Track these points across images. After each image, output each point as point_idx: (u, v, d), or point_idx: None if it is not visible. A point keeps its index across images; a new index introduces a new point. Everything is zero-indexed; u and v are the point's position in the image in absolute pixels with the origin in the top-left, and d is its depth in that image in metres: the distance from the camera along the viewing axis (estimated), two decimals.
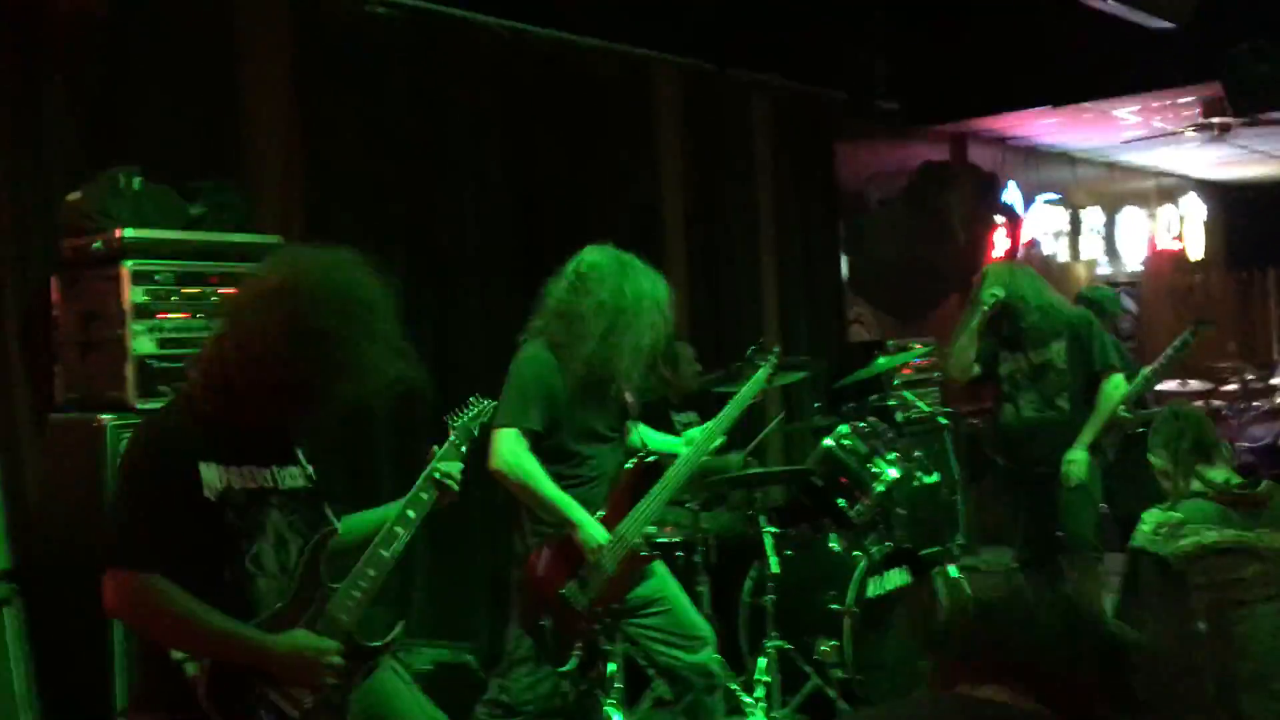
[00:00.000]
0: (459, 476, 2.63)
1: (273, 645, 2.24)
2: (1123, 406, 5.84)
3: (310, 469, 2.48)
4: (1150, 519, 3.05)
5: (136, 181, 3.59)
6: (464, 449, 2.72)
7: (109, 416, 3.38)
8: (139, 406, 3.41)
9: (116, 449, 3.33)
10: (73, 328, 3.60)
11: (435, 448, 2.67)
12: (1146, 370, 6.20)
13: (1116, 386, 4.76)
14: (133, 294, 3.44)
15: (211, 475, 2.25)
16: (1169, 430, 3.21)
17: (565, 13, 5.48)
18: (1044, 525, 4.82)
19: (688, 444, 3.66)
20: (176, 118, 4.14)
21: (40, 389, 3.68)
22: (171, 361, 3.46)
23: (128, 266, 3.44)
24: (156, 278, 3.49)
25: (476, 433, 2.83)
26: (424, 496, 2.57)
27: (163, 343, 3.48)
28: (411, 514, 2.54)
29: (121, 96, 4.02)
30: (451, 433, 2.73)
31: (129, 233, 3.47)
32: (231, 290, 2.50)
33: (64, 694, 3.47)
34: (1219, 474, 3.09)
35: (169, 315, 3.51)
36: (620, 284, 3.38)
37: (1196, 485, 3.06)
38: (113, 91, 4.01)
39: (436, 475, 2.59)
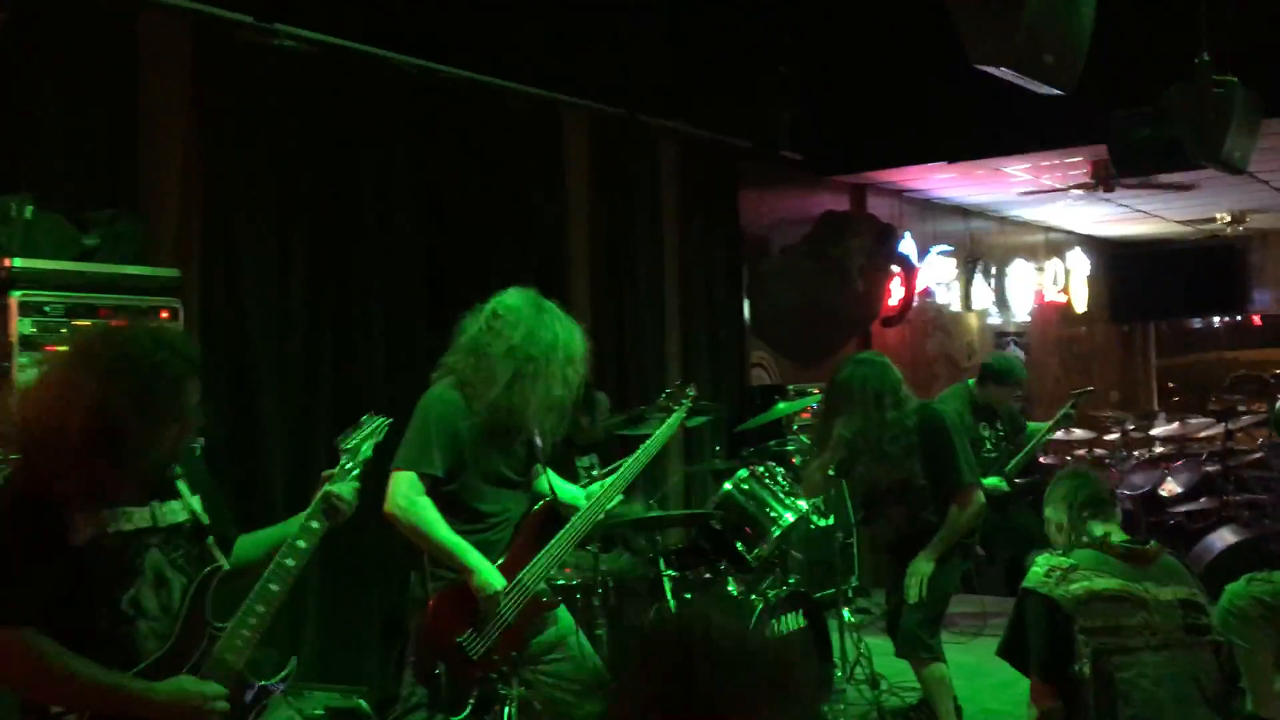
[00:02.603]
0: (351, 498, 2.58)
1: (154, 694, 2.19)
2: (1003, 481, 6.01)
3: (195, 501, 2.42)
4: (1043, 562, 3.13)
5: (28, 210, 3.49)
6: (356, 472, 2.65)
7: None
8: None
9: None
10: None
11: (326, 472, 2.61)
12: (1037, 426, 6.43)
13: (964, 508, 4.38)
14: (20, 325, 3.35)
15: (79, 520, 2.19)
16: (1068, 486, 3.32)
17: (477, 53, 5.50)
18: (894, 611, 4.60)
19: (589, 497, 3.63)
20: (72, 145, 4.04)
21: None
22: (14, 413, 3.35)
23: (15, 297, 3.35)
24: (46, 309, 3.41)
25: (369, 453, 2.75)
26: (314, 525, 2.51)
27: None
28: (302, 544, 2.47)
29: (15, 120, 3.91)
30: (342, 454, 2.67)
31: (17, 263, 3.38)
32: (48, 362, 2.48)
33: None
34: (1111, 529, 3.21)
35: (57, 348, 3.40)
36: (533, 330, 3.35)
37: (1089, 538, 3.17)
38: (5, 115, 3.89)
39: (329, 499, 2.54)
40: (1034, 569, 3.13)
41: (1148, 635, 2.98)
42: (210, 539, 2.42)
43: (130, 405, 2.19)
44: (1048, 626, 3.02)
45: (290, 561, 2.43)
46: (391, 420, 2.92)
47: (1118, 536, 3.17)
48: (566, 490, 3.67)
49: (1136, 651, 2.96)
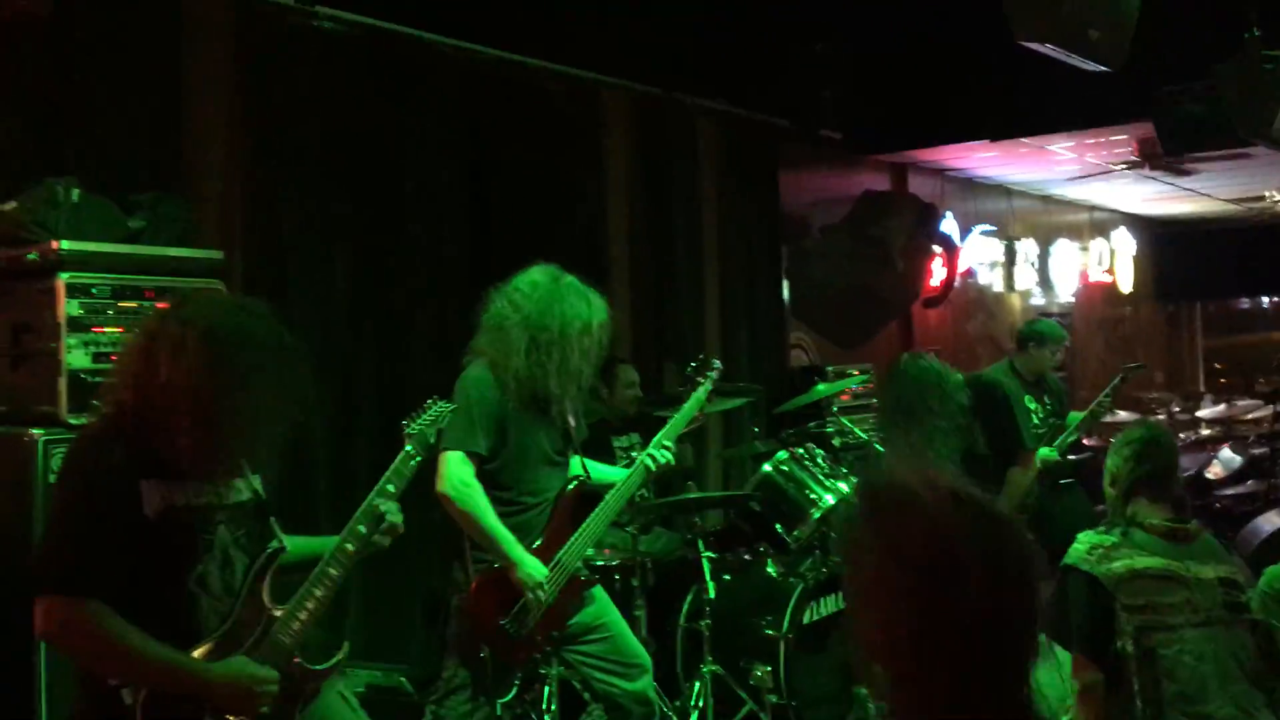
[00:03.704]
0: (398, 524, 2.59)
1: (210, 674, 2.21)
2: (1055, 451, 5.97)
3: (256, 481, 2.43)
4: (1085, 539, 3.13)
5: (75, 193, 3.52)
6: (418, 459, 2.66)
7: (39, 431, 3.30)
8: (71, 421, 3.34)
9: (47, 464, 3.26)
10: (3, 340, 3.52)
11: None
12: (1077, 416, 6.36)
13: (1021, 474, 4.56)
14: (68, 307, 3.37)
15: (152, 492, 2.19)
16: (1139, 450, 3.24)
17: (515, 34, 5.49)
18: None
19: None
20: (118, 128, 4.07)
21: None
22: (105, 376, 3.40)
23: (63, 279, 3.37)
24: (93, 291, 3.43)
25: (434, 439, 2.77)
26: (379, 507, 2.53)
27: (97, 357, 3.41)
28: (363, 529, 2.49)
29: (61, 104, 3.95)
30: (407, 441, 2.68)
31: (65, 245, 3.40)
32: (151, 320, 2.43)
33: None
34: (1156, 512, 3.17)
35: (104, 329, 3.44)
36: (549, 303, 3.39)
37: (1136, 514, 3.14)
38: (52, 99, 3.93)
39: (390, 488, 2.56)
40: (1076, 545, 3.12)
41: (1189, 612, 2.98)
42: (272, 518, 2.43)
43: (241, 380, 2.19)
44: (1089, 603, 3.02)
45: (350, 546, 2.46)
46: (456, 406, 2.94)
47: (1159, 517, 3.14)
48: (601, 470, 3.70)
49: (1178, 628, 2.96)
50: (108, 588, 2.14)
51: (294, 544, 2.54)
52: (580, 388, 3.46)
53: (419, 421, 2.73)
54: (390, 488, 2.57)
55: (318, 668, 2.40)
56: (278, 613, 2.36)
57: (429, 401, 2.82)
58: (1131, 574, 3.00)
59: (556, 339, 3.36)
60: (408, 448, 2.66)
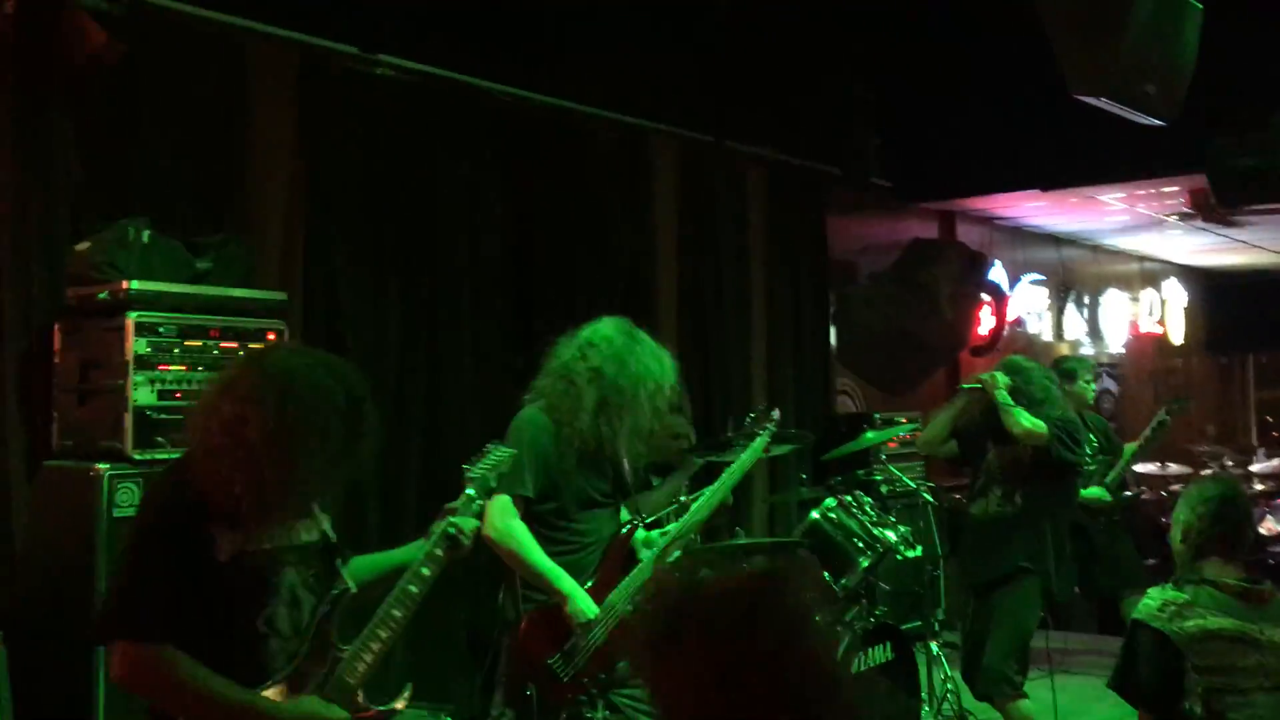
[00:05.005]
0: (471, 533, 2.61)
1: (282, 713, 2.24)
2: (1105, 492, 5.92)
3: (326, 522, 2.46)
4: (1156, 595, 3.06)
5: (145, 234, 3.63)
6: (480, 503, 2.68)
7: (105, 466, 3.38)
8: (136, 457, 3.42)
9: (112, 499, 3.34)
10: (72, 375, 3.62)
11: (449, 505, 2.65)
12: (1127, 450, 6.29)
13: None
14: (136, 345, 3.45)
15: (223, 536, 2.23)
16: (1216, 509, 3.13)
17: (566, 81, 5.58)
18: (976, 646, 4.66)
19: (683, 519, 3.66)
20: (184, 171, 4.19)
21: (36, 435, 3.67)
22: (170, 414, 3.48)
23: (132, 318, 3.46)
24: (160, 330, 3.51)
25: (494, 482, 2.79)
26: (439, 553, 2.54)
27: (162, 394, 3.50)
28: (426, 572, 2.51)
29: (131, 148, 4.07)
30: (468, 485, 2.70)
31: (135, 285, 3.50)
32: (234, 366, 2.48)
33: None
34: (1229, 571, 3.09)
35: (169, 367, 3.53)
36: (624, 360, 3.39)
37: (1206, 573, 3.07)
38: (122, 142, 4.06)
39: (451, 531, 2.57)
40: (1147, 601, 3.06)
41: (1261, 678, 2.91)
42: (339, 560, 2.46)
43: (315, 429, 2.21)
44: (1159, 661, 2.96)
45: (414, 588, 2.47)
46: (516, 452, 2.96)
47: (1233, 577, 3.08)
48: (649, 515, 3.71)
49: (1249, 693, 2.89)
50: (181, 632, 2.17)
51: (359, 564, 2.56)
52: (646, 444, 3.46)
53: (480, 465, 2.76)
54: (450, 530, 2.60)
55: (383, 709, 2.41)
56: (343, 653, 2.38)
57: (489, 446, 2.85)
58: (1204, 634, 2.93)
59: (629, 401, 3.36)
60: (469, 491, 2.68)
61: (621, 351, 3.41)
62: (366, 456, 2.35)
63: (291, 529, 2.36)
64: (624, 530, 3.54)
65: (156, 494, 2.37)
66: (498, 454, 2.81)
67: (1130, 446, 6.33)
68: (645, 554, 3.51)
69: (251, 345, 3.67)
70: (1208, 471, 9.17)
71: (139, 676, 2.20)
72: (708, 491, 3.74)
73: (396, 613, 2.44)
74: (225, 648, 2.22)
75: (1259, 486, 8.86)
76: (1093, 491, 5.72)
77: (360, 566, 2.57)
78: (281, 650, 2.30)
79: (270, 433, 2.18)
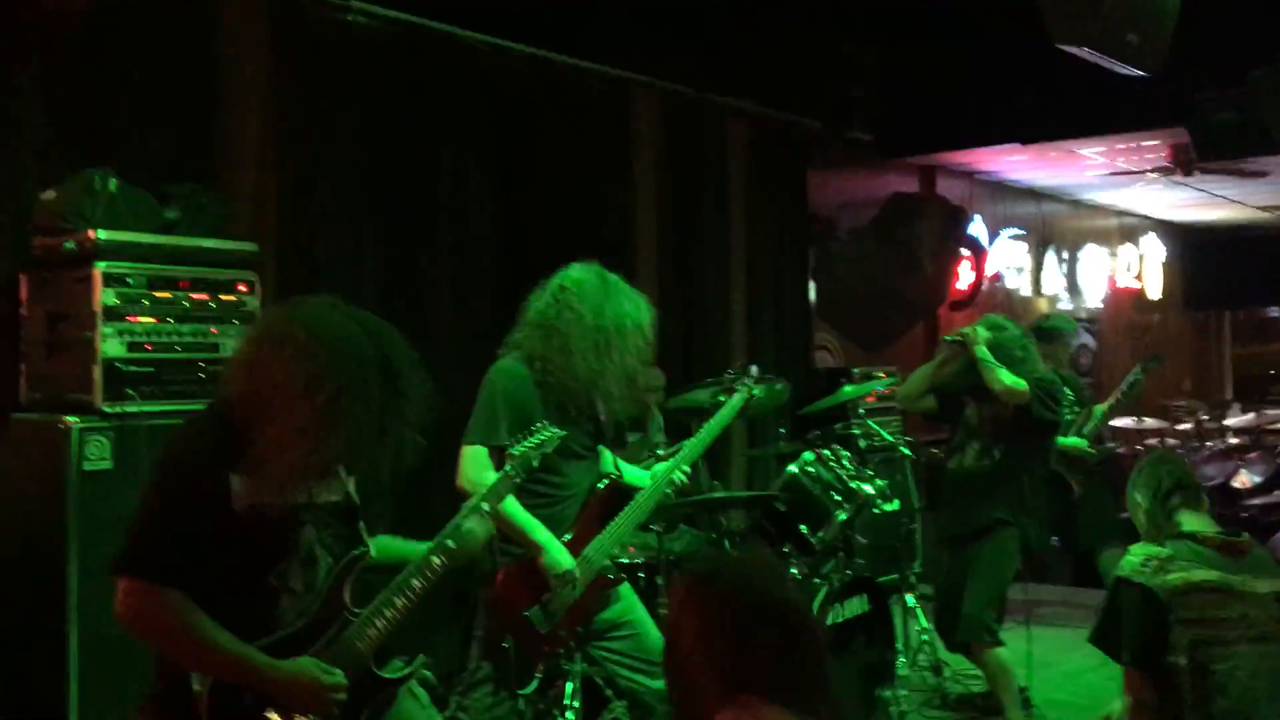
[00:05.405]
0: (483, 535, 2.61)
1: (276, 671, 2.22)
2: (1085, 442, 5.95)
3: (350, 484, 2.43)
4: (1139, 551, 3.09)
5: (112, 183, 3.55)
6: (519, 480, 2.69)
7: (74, 419, 3.34)
8: (106, 410, 3.38)
9: (81, 451, 3.30)
10: (39, 327, 3.56)
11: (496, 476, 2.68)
12: (1102, 407, 6.32)
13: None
14: (104, 296, 3.40)
15: (241, 486, 2.20)
16: (1153, 472, 3.24)
17: (548, 31, 5.50)
18: (951, 597, 4.68)
19: (653, 476, 3.65)
20: (153, 119, 4.11)
21: (3, 388, 3.62)
22: (140, 365, 3.44)
23: (100, 268, 3.41)
24: (128, 280, 3.46)
25: (536, 464, 2.81)
26: (466, 528, 2.54)
27: (131, 346, 3.45)
28: (451, 544, 2.50)
29: (99, 96, 3.99)
30: (508, 462, 2.69)
31: (102, 234, 3.44)
32: (267, 315, 2.43)
33: (18, 698, 3.41)
34: (1201, 519, 3.14)
35: (139, 319, 3.48)
36: (602, 304, 3.37)
37: (1183, 526, 3.11)
38: (90, 91, 3.97)
39: (484, 507, 2.58)
40: (1129, 558, 3.08)
41: (1244, 628, 2.94)
42: (361, 523, 2.43)
43: (336, 390, 2.17)
44: (1143, 616, 2.98)
45: (436, 560, 2.46)
46: (565, 434, 2.99)
47: (1210, 528, 3.11)
48: (630, 470, 3.69)
49: (1233, 644, 2.92)
50: (189, 577, 2.16)
51: (380, 545, 2.53)
52: (630, 387, 3.45)
53: (525, 444, 2.75)
54: (485, 506, 2.58)
55: (389, 676, 2.40)
56: (355, 615, 2.36)
57: (537, 425, 2.86)
58: (1187, 587, 2.95)
59: (615, 340, 3.35)
60: (507, 468, 2.68)
61: (597, 293, 3.39)
62: (410, 430, 2.31)
63: (314, 487, 2.32)
64: (602, 484, 3.52)
65: (177, 438, 2.33)
66: (542, 433, 2.81)
67: (1100, 407, 6.36)
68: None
69: (222, 296, 3.63)
70: (1182, 426, 9.26)
71: (137, 616, 2.18)
72: (686, 445, 3.73)
73: (415, 583, 2.42)
74: (234, 597, 2.20)
75: (1233, 440, 8.95)
76: (1071, 440, 5.75)
77: (384, 547, 2.54)
78: (292, 606, 2.28)
79: (295, 381, 2.16)
